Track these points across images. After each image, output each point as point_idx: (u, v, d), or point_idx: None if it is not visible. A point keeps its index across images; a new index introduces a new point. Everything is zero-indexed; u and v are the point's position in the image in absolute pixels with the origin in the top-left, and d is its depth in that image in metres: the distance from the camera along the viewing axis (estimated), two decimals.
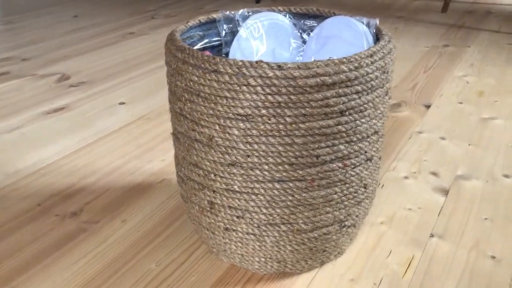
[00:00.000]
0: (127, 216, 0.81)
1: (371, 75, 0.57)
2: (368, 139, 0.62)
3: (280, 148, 0.56)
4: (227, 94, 0.55)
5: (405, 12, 2.10)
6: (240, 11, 0.74)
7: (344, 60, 0.55)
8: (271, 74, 0.53)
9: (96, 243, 0.75)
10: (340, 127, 0.57)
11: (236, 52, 0.75)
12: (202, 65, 0.56)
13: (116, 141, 1.05)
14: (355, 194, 0.64)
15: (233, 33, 0.75)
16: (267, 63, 0.53)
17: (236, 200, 0.61)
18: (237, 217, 0.62)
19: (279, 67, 0.53)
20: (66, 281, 0.67)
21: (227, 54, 0.75)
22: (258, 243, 0.63)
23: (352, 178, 0.62)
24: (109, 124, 1.12)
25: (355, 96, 0.56)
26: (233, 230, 0.63)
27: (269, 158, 0.57)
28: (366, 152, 0.62)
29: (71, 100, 1.24)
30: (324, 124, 0.56)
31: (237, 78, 0.54)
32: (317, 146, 0.57)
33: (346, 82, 0.55)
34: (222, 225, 0.64)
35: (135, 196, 0.86)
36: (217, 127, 0.57)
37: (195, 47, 0.73)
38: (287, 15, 0.76)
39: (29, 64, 1.50)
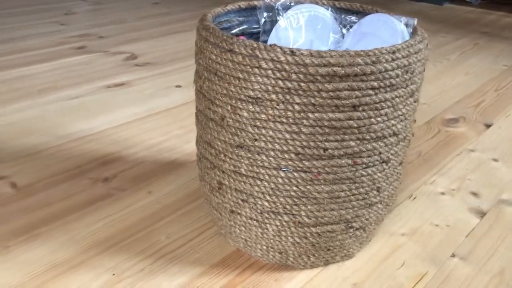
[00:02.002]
0: (153, 188, 0.84)
1: (390, 73, 0.55)
2: (385, 140, 0.59)
3: (287, 135, 0.56)
4: (240, 75, 0.55)
5: (491, 28, 1.97)
6: (282, 0, 0.75)
7: (361, 52, 0.53)
8: (282, 58, 0.53)
9: (118, 208, 0.78)
10: (351, 122, 0.55)
11: (274, 41, 0.75)
12: (220, 44, 0.56)
13: (163, 119, 1.09)
14: (366, 196, 0.62)
15: (273, 22, 0.75)
16: (281, 47, 0.53)
17: (242, 183, 0.61)
18: (242, 200, 0.62)
19: (292, 52, 0.53)
20: (83, 237, 0.71)
21: (265, 42, 0.76)
22: (260, 230, 0.63)
23: (362, 178, 0.60)
24: (161, 103, 1.17)
25: (370, 92, 0.55)
26: (238, 214, 0.64)
27: (276, 144, 0.57)
28: (380, 153, 0.60)
29: (133, 78, 1.31)
30: (334, 117, 0.55)
31: (249, 59, 0.54)
32: (325, 138, 0.56)
33: (361, 76, 0.53)
34: (228, 207, 0.64)
35: (166, 171, 0.89)
36: (229, 107, 0.58)
37: (232, 31, 0.74)
38: (330, 9, 0.75)
39: (104, 41, 1.60)
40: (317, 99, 0.54)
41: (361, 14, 0.73)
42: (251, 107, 0.56)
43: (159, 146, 0.98)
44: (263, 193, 0.60)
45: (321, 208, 0.60)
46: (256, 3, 0.74)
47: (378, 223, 0.68)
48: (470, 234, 0.76)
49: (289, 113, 0.55)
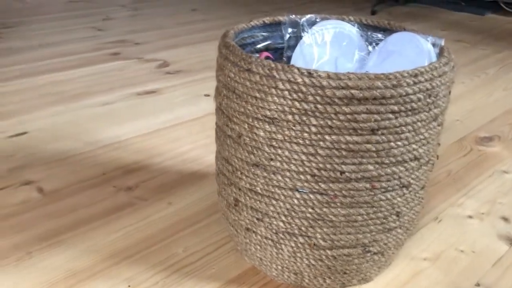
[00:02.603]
0: (174, 199, 0.84)
1: (412, 96, 0.53)
2: (405, 165, 0.57)
3: (303, 157, 0.55)
4: (257, 95, 0.55)
5: None
6: (307, 16, 0.74)
7: (382, 76, 0.52)
8: (299, 79, 0.52)
9: (138, 218, 0.79)
10: (369, 145, 0.54)
11: (298, 57, 0.75)
12: (239, 63, 0.56)
13: (190, 129, 1.10)
14: (384, 221, 0.60)
15: (297, 37, 0.74)
16: (298, 68, 0.52)
17: (258, 202, 0.61)
18: (257, 219, 0.62)
19: (309, 73, 0.52)
20: (103, 246, 0.72)
21: (289, 58, 0.75)
22: (275, 250, 0.63)
23: (381, 202, 0.58)
24: (189, 112, 1.18)
25: (390, 115, 0.53)
26: (253, 232, 0.63)
27: (292, 165, 0.56)
28: (400, 177, 0.58)
29: (164, 86, 1.33)
30: (351, 140, 0.53)
31: (267, 79, 0.53)
32: (342, 161, 0.55)
33: (380, 99, 0.52)
34: (244, 224, 0.64)
35: (187, 182, 0.89)
36: (246, 126, 0.57)
37: (257, 47, 0.74)
38: (356, 26, 0.73)
39: (139, 48, 1.63)
40: (334, 121, 0.53)
41: (388, 31, 0.72)
42: (267, 126, 0.55)
43: (183, 156, 0.99)
44: (278, 213, 0.60)
45: (337, 231, 0.59)
46: (281, 18, 0.74)
47: (398, 247, 0.66)
48: (498, 262, 0.73)
49: (305, 134, 0.54)
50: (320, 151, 0.54)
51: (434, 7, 2.43)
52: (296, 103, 0.53)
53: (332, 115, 0.52)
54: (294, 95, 0.52)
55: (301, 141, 0.54)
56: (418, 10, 2.37)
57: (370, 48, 0.73)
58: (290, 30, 0.74)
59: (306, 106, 0.53)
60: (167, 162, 0.96)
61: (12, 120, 1.09)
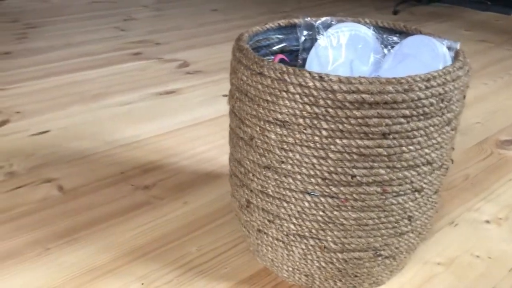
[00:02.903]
0: (189, 199, 0.85)
1: (424, 101, 0.53)
2: (417, 169, 0.57)
3: (314, 160, 0.55)
4: (268, 98, 0.55)
5: None
6: (322, 19, 0.74)
7: (393, 80, 0.51)
8: (310, 83, 0.52)
9: (154, 217, 0.80)
10: (381, 150, 0.54)
11: (314, 59, 0.75)
12: (251, 66, 0.57)
13: (207, 129, 1.11)
14: (396, 225, 0.60)
15: (313, 40, 0.74)
16: (310, 72, 0.53)
17: (269, 204, 0.61)
18: (269, 221, 0.62)
19: (320, 77, 0.52)
20: (119, 244, 0.74)
21: (304, 60, 0.75)
22: (286, 252, 0.63)
23: (392, 206, 0.58)
24: (207, 112, 1.19)
25: (402, 120, 0.53)
26: (265, 233, 0.64)
27: (303, 168, 0.56)
28: (412, 182, 0.57)
29: (183, 86, 1.34)
30: (362, 144, 0.53)
31: (278, 83, 0.54)
32: (353, 165, 0.55)
33: (392, 104, 0.52)
34: (256, 226, 0.65)
35: (203, 182, 0.90)
36: (257, 129, 0.58)
37: (272, 49, 0.74)
38: (372, 28, 0.73)
39: (160, 48, 1.65)
40: (345, 125, 0.53)
41: (404, 34, 0.71)
42: (278, 130, 0.56)
43: (200, 156, 1.00)
44: (289, 215, 0.60)
45: (348, 234, 0.59)
46: (296, 21, 0.74)
47: (410, 252, 0.66)
48: None
49: (316, 138, 0.54)
50: (331, 155, 0.55)
51: (458, 7, 2.39)
52: (307, 107, 0.53)
53: (343, 119, 0.53)
54: (305, 99, 0.53)
55: (312, 145, 0.55)
56: (442, 10, 2.34)
57: (385, 50, 0.73)
58: (305, 32, 0.74)
59: (317, 110, 0.53)
60: (184, 162, 0.97)
61: (35, 119, 1.12)
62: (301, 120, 0.54)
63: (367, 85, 0.51)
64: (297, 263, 0.63)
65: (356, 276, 0.64)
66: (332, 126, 0.53)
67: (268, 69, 0.55)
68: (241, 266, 0.71)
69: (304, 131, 0.54)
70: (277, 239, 0.63)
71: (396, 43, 0.71)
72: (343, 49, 0.74)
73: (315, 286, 0.66)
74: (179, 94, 1.29)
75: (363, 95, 0.51)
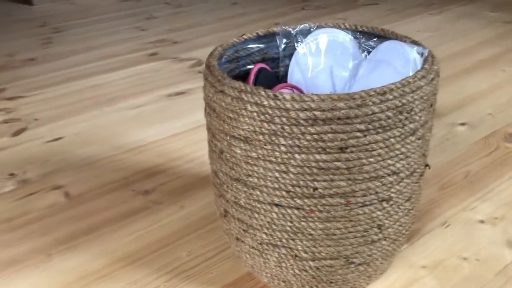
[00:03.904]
0: (186, 203, 0.89)
1: (379, 115, 0.53)
2: (382, 180, 0.57)
3: (277, 174, 0.57)
4: (231, 115, 0.57)
5: None
6: (300, 26, 0.74)
7: (346, 96, 0.52)
8: (265, 102, 0.53)
9: (150, 222, 0.84)
10: (339, 163, 0.55)
11: (294, 67, 0.76)
12: (214, 84, 0.59)
13: None
14: (365, 233, 0.61)
15: (293, 47, 0.75)
16: (265, 91, 0.54)
17: (242, 214, 0.63)
18: (243, 230, 0.64)
19: (275, 96, 0.53)
20: (114, 250, 0.78)
21: (286, 67, 0.76)
22: (262, 259, 0.65)
23: (359, 216, 0.59)
24: None
25: (358, 134, 0.53)
26: (242, 241, 0.66)
27: (268, 181, 0.58)
28: (378, 192, 0.58)
29: (193, 86, 1.37)
30: (320, 158, 0.54)
31: (237, 101, 0.55)
32: (313, 178, 0.56)
33: (345, 119, 0.52)
34: (234, 234, 0.67)
35: (200, 186, 0.93)
36: (225, 143, 0.60)
37: (253, 58, 0.75)
38: (350, 33, 0.73)
39: (176, 47, 1.68)
40: (302, 141, 0.54)
41: (382, 38, 0.71)
42: (242, 145, 0.58)
43: (202, 158, 1.03)
44: (260, 225, 0.62)
45: (317, 244, 0.60)
46: (275, 29, 0.75)
47: (387, 258, 0.66)
48: (502, 271, 0.71)
49: (276, 153, 0.56)
50: (291, 169, 0.56)
51: None
52: (265, 124, 0.54)
53: (299, 135, 0.54)
54: (262, 117, 0.54)
55: (273, 159, 0.56)
56: None
57: (363, 55, 0.73)
58: (284, 40, 0.75)
59: (274, 127, 0.54)
60: (185, 165, 1.01)
61: (51, 126, 1.18)
62: (260, 137, 0.56)
63: (319, 102, 0.52)
64: (273, 270, 0.65)
65: (331, 282, 0.65)
66: (290, 142, 0.54)
67: (228, 88, 0.56)
68: (227, 271, 0.74)
69: (265, 146, 0.56)
70: (253, 247, 0.65)
71: (373, 48, 0.71)
72: (322, 55, 0.74)
73: None
74: (188, 95, 1.32)
75: (315, 112, 0.52)
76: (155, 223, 0.84)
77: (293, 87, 0.74)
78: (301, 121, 0.53)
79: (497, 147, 1.02)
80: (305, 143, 0.54)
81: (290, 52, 0.76)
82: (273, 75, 0.76)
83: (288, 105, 0.52)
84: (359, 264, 0.64)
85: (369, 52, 0.71)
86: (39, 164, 1.03)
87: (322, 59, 0.74)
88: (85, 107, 1.28)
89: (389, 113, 0.54)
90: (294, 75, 0.76)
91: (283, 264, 0.64)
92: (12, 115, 1.24)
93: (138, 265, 0.75)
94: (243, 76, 0.73)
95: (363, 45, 0.72)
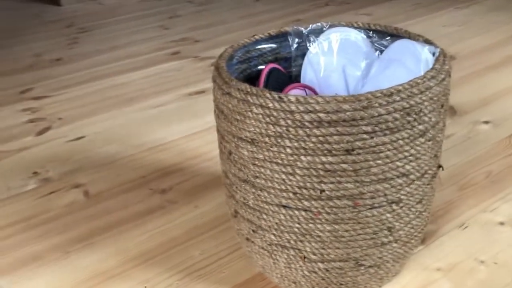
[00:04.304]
0: (201, 202, 0.89)
1: (386, 117, 0.52)
2: (391, 182, 0.56)
3: (283, 176, 0.57)
4: (237, 117, 0.57)
5: None
6: (312, 26, 0.73)
7: (351, 98, 0.51)
8: (270, 104, 0.53)
9: (165, 221, 0.85)
10: (345, 165, 0.54)
11: (307, 67, 0.75)
12: (222, 86, 0.59)
13: None
14: (374, 236, 0.60)
15: (305, 47, 0.74)
16: (270, 93, 0.54)
17: (251, 215, 0.63)
18: (253, 231, 0.64)
19: (280, 98, 0.53)
20: (129, 248, 0.80)
21: (298, 67, 0.76)
22: (272, 260, 0.65)
23: (367, 219, 0.58)
24: None
25: (364, 136, 0.53)
26: (252, 242, 0.66)
27: (275, 183, 0.58)
28: (386, 194, 0.57)
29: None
30: (326, 161, 0.54)
31: (243, 103, 0.55)
32: (320, 180, 0.55)
33: (351, 121, 0.52)
34: (245, 234, 0.67)
35: (216, 185, 0.94)
36: (233, 145, 0.60)
37: (266, 58, 0.75)
38: (363, 32, 0.72)
39: (198, 46, 1.69)
40: (307, 143, 0.53)
41: (394, 37, 0.69)
42: (249, 146, 0.58)
43: (216, 158, 1.02)
44: (269, 226, 0.62)
45: (325, 246, 0.60)
46: (287, 29, 0.74)
47: (399, 260, 0.65)
48: None
49: (282, 155, 0.55)
50: (298, 171, 0.56)
51: None
52: (270, 126, 0.54)
53: (305, 137, 0.53)
54: (267, 119, 0.54)
55: (279, 161, 0.56)
56: None
57: (376, 54, 0.71)
58: (296, 40, 0.74)
59: (279, 129, 0.54)
60: (202, 164, 1.01)
61: (73, 125, 1.21)
62: (266, 139, 0.55)
63: (324, 105, 0.51)
64: (283, 271, 0.65)
65: (341, 284, 0.65)
66: (295, 144, 0.54)
67: (234, 90, 0.56)
68: (239, 271, 0.74)
69: (271, 148, 0.56)
70: (262, 248, 0.65)
71: (385, 47, 0.69)
72: (334, 55, 0.73)
73: None
74: (208, 94, 1.33)
75: (320, 114, 0.52)
76: (170, 223, 0.85)
77: (305, 87, 0.74)
78: (306, 123, 0.52)
79: None
80: (311, 145, 0.54)
81: (303, 51, 0.75)
82: (286, 75, 0.76)
83: (293, 107, 0.52)
84: (369, 267, 0.63)
85: (381, 51, 0.70)
86: (61, 163, 1.05)
87: (335, 59, 0.73)
88: (107, 107, 1.30)
89: (396, 115, 0.53)
90: (307, 74, 0.75)
91: (293, 266, 0.64)
92: (37, 114, 1.27)
93: (151, 264, 0.76)
94: (255, 77, 0.73)
95: (376, 44, 0.71)
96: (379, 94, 0.52)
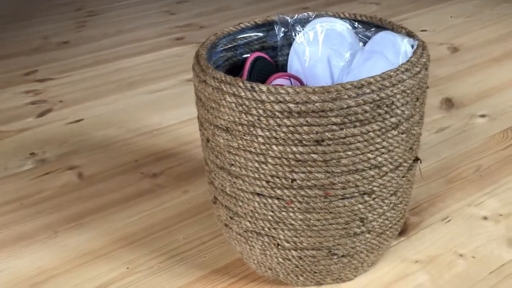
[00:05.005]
0: (190, 188, 0.91)
1: (355, 109, 0.52)
2: (362, 173, 0.57)
3: (256, 164, 0.58)
4: (213, 105, 0.58)
5: None
6: (298, 15, 0.73)
7: (320, 89, 0.52)
8: (242, 94, 0.54)
9: (153, 205, 0.87)
10: (315, 156, 0.55)
11: (293, 56, 0.75)
12: (199, 74, 0.59)
13: None
14: (346, 226, 0.60)
15: (292, 36, 0.75)
16: (243, 82, 0.54)
17: (228, 202, 0.64)
18: (230, 217, 0.66)
19: (252, 87, 0.53)
20: (116, 230, 0.81)
21: (285, 57, 0.76)
22: (248, 246, 0.66)
23: (339, 209, 0.59)
24: None
25: (334, 127, 0.53)
26: (230, 228, 0.67)
27: (249, 171, 0.59)
28: (358, 185, 0.58)
29: None
30: (297, 151, 0.55)
31: (217, 92, 0.56)
32: (291, 170, 0.56)
33: (320, 112, 0.52)
34: (223, 220, 0.68)
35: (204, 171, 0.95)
36: (210, 132, 0.61)
37: (252, 47, 0.75)
38: (348, 22, 0.72)
39: (203, 31, 1.70)
40: (278, 133, 0.54)
41: (380, 28, 0.69)
42: (224, 134, 0.58)
43: None
44: (245, 213, 0.63)
45: (298, 234, 0.61)
46: (274, 18, 0.75)
47: (373, 251, 0.66)
48: (496, 271, 0.69)
49: (255, 144, 0.56)
50: (270, 160, 0.56)
51: None
52: (243, 115, 0.55)
53: (276, 127, 0.54)
54: (240, 108, 0.55)
55: (253, 150, 0.57)
56: None
57: (361, 44, 0.71)
58: (282, 29, 0.75)
59: (251, 118, 0.55)
60: (195, 150, 1.02)
61: (74, 108, 1.23)
62: (240, 127, 0.56)
63: (293, 95, 0.52)
64: (259, 257, 0.66)
65: (315, 272, 0.65)
66: (267, 133, 0.55)
67: (210, 78, 0.57)
68: (219, 256, 0.75)
69: (244, 137, 0.57)
70: (239, 234, 0.66)
71: (369, 38, 0.69)
72: (320, 45, 0.73)
73: (280, 279, 0.69)
74: None
75: (290, 105, 0.52)
76: (158, 206, 0.87)
77: (291, 76, 0.74)
78: (277, 113, 0.53)
79: None
80: (282, 135, 0.54)
81: (289, 41, 0.75)
82: (272, 64, 0.76)
83: (264, 97, 0.53)
84: (342, 256, 0.64)
85: (365, 43, 0.70)
86: (58, 144, 1.08)
87: (320, 49, 0.73)
88: (108, 91, 1.32)
89: (366, 107, 0.53)
90: (293, 64, 0.75)
91: (267, 252, 0.65)
92: (40, 96, 1.30)
93: (136, 246, 0.78)
94: (242, 65, 0.74)
95: (360, 35, 0.71)
96: (349, 86, 0.52)
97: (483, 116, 1.08)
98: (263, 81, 0.72)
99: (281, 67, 0.77)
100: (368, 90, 0.52)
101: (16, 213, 0.87)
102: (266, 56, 0.75)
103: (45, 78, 1.41)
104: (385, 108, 0.54)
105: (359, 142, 0.55)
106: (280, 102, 0.52)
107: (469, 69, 1.29)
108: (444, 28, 1.57)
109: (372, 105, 0.53)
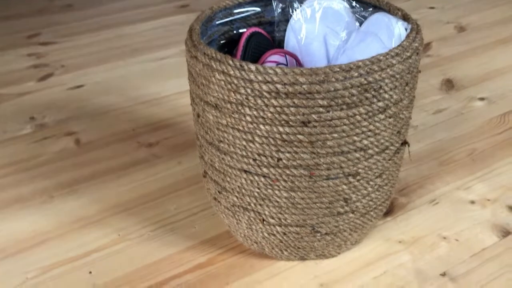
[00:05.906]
0: (184, 159, 0.92)
1: (342, 92, 0.53)
2: (347, 155, 0.58)
3: (244, 142, 0.58)
4: (203, 81, 0.58)
5: None
6: None
7: (308, 71, 0.52)
8: (231, 72, 0.54)
9: (147, 174, 0.89)
10: (301, 137, 0.55)
11: (290, 33, 0.75)
12: (190, 50, 0.60)
13: None
14: (330, 205, 0.62)
15: (289, 12, 0.74)
16: (232, 60, 0.55)
17: (217, 177, 0.66)
18: (218, 191, 0.67)
19: (241, 66, 0.54)
20: (110, 197, 0.83)
21: (282, 33, 0.76)
22: (235, 220, 0.68)
23: (323, 189, 0.60)
24: None
25: (320, 109, 0.53)
26: (218, 202, 0.69)
27: (237, 148, 0.60)
28: (342, 167, 0.58)
29: None
30: (283, 131, 0.55)
31: (207, 68, 0.57)
32: (277, 149, 0.57)
33: (307, 94, 0.52)
34: (212, 194, 0.70)
35: None
36: (200, 108, 0.62)
37: (249, 22, 0.75)
38: (345, 1, 0.71)
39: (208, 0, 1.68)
40: (266, 113, 0.55)
41: (377, 9, 0.69)
42: (213, 111, 0.59)
43: None
44: (232, 189, 0.64)
45: (282, 211, 0.62)
46: None
47: (357, 230, 0.67)
48: (478, 254, 0.71)
49: (243, 122, 0.57)
50: (257, 139, 0.57)
51: None
52: (232, 93, 0.56)
53: (263, 107, 0.55)
54: (229, 86, 0.55)
55: (240, 128, 0.58)
56: None
57: (357, 24, 0.71)
58: (280, 5, 0.74)
59: (239, 97, 0.55)
60: (192, 121, 1.03)
61: (75, 73, 1.24)
62: (228, 105, 0.57)
63: (281, 76, 0.52)
64: (245, 231, 0.68)
65: (299, 248, 0.67)
66: (255, 112, 0.55)
67: (200, 54, 0.57)
68: (208, 227, 0.77)
69: (232, 115, 0.57)
70: (227, 208, 0.68)
71: (365, 18, 0.69)
72: (316, 23, 0.73)
73: (265, 253, 0.70)
74: None
75: (277, 86, 0.52)
76: (152, 176, 0.88)
77: (287, 53, 0.74)
78: (265, 93, 0.54)
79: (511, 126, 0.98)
80: (269, 115, 0.55)
81: (287, 17, 0.75)
82: (268, 40, 0.76)
83: (252, 77, 0.53)
84: (326, 234, 0.65)
85: (361, 23, 0.70)
86: (58, 110, 1.09)
87: (317, 27, 0.73)
88: (111, 57, 1.32)
89: (354, 91, 0.53)
90: (290, 41, 0.75)
91: (253, 227, 0.66)
92: (42, 60, 1.30)
93: (128, 214, 0.80)
94: (238, 40, 0.74)
95: (357, 15, 0.70)
96: (337, 69, 0.52)
97: (482, 99, 1.07)
98: (259, 56, 0.72)
99: (278, 43, 0.77)
100: (356, 74, 0.53)
101: (12, 176, 0.89)
102: (262, 32, 0.75)
103: (48, 41, 1.41)
104: (373, 92, 0.54)
105: (345, 125, 0.55)
106: (268, 82, 0.53)
107: (474, 50, 1.28)
108: (453, 6, 1.55)
109: (359, 89, 0.53)
